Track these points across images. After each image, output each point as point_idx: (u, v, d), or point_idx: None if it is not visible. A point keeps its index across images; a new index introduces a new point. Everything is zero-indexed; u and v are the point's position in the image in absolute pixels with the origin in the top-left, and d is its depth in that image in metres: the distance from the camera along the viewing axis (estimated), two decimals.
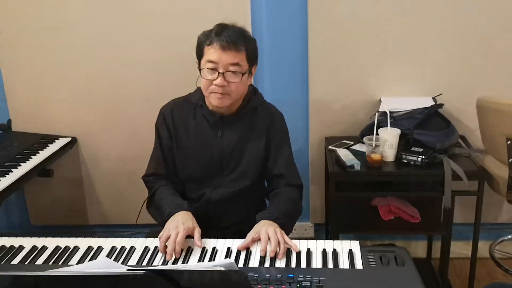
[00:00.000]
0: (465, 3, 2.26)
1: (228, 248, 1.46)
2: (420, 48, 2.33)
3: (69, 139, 2.51)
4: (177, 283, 0.75)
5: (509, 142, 1.88)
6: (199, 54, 1.67)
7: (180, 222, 1.50)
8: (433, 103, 2.26)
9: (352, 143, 2.31)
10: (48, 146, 2.40)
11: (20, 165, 2.16)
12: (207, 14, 2.29)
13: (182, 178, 1.80)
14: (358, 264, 1.34)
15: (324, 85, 2.41)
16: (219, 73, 1.61)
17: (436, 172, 2.03)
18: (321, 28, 2.33)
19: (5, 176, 2.04)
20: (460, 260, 2.59)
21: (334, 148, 2.25)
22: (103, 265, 0.87)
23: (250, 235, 1.48)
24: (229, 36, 1.60)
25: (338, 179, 2.11)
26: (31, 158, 2.25)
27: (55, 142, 2.46)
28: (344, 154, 2.16)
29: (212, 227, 1.68)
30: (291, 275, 1.26)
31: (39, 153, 2.31)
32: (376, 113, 2.16)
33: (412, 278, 1.26)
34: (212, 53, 1.61)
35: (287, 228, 1.57)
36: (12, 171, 2.10)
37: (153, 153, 1.83)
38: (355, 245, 1.43)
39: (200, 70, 1.66)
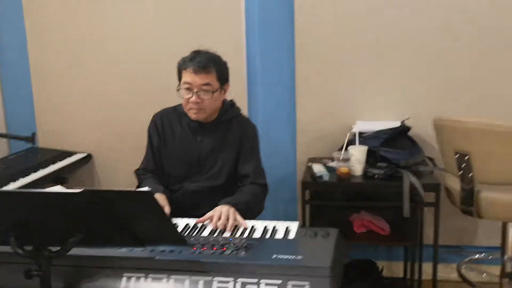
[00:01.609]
0: (433, 33, 2.53)
1: (187, 224, 1.73)
2: (391, 77, 2.61)
3: (85, 154, 2.89)
4: (102, 198, 1.03)
5: (457, 155, 2.08)
6: (179, 77, 2.01)
7: None
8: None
9: (330, 161, 2.56)
10: (66, 158, 2.78)
11: (39, 170, 2.54)
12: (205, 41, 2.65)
13: (166, 173, 2.11)
14: (291, 236, 1.57)
15: (309, 111, 2.71)
16: (193, 92, 1.94)
17: (396, 184, 2.24)
18: (306, 60, 2.66)
19: (24, 177, 2.42)
20: (443, 282, 2.69)
21: (310, 164, 2.50)
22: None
23: (208, 214, 1.76)
24: (200, 61, 1.93)
25: (310, 188, 2.37)
26: (49, 166, 2.62)
27: (72, 156, 2.84)
28: (317, 168, 2.41)
29: (188, 215, 1.95)
30: (231, 239, 1.51)
31: (57, 163, 2.69)
32: (348, 134, 2.43)
33: (327, 243, 1.46)
34: (187, 76, 1.94)
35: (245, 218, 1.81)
36: (31, 174, 2.47)
37: (146, 152, 2.16)
38: (294, 225, 1.66)
39: (178, 90, 1.98)
